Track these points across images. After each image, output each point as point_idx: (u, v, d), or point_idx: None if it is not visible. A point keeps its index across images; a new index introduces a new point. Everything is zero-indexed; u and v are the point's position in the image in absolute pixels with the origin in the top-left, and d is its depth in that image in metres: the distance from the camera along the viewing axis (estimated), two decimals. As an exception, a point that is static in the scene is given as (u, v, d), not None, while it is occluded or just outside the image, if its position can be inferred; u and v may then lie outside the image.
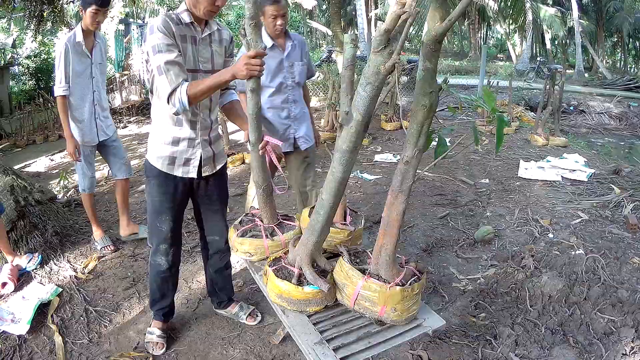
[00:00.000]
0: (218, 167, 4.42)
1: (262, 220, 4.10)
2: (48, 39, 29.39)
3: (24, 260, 5.95)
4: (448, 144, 3.03)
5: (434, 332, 3.11)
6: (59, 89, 5.92)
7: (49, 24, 22.95)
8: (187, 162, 4.21)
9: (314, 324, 3.21)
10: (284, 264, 3.47)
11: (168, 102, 3.75)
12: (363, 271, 3.09)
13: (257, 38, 3.45)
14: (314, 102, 16.98)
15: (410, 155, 2.78)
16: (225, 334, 4.91)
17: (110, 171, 6.89)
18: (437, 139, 3.02)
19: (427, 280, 5.60)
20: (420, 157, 2.80)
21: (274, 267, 3.50)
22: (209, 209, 4.59)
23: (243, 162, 10.57)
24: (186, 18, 3.90)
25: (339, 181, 3.07)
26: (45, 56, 27.88)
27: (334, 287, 3.23)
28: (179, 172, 4.22)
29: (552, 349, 4.50)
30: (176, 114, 3.87)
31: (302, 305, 3.27)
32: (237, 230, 4.05)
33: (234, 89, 4.64)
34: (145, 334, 4.82)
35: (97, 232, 6.76)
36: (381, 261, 3.01)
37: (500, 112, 2.98)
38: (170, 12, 4.03)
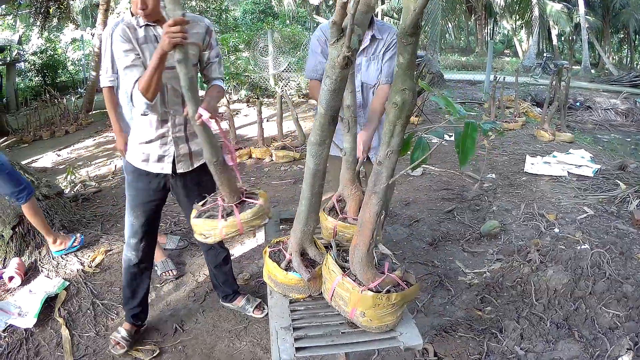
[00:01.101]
0: (196, 165, 4.39)
1: (224, 200, 3.97)
2: (54, 35, 29.47)
3: (68, 241, 6.09)
4: (430, 147, 2.84)
5: (406, 349, 3.05)
6: (104, 79, 5.31)
7: (55, 20, 23.06)
8: (160, 158, 4.25)
9: (292, 311, 3.21)
10: (282, 247, 3.49)
11: (133, 105, 3.87)
12: (344, 269, 3.06)
13: (175, 7, 3.35)
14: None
15: (383, 156, 2.71)
16: (232, 327, 4.93)
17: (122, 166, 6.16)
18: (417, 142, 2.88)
19: (434, 275, 5.63)
20: (394, 158, 2.67)
21: (272, 249, 3.52)
22: (190, 208, 4.25)
23: (250, 157, 10.59)
24: (141, 21, 3.98)
25: (312, 173, 3.06)
26: (52, 52, 27.93)
27: (320, 279, 3.24)
28: (153, 168, 4.25)
29: (557, 343, 4.51)
30: (144, 114, 3.98)
31: (286, 289, 3.29)
32: (197, 211, 3.96)
33: (217, 79, 4.33)
34: (157, 327, 4.90)
35: (157, 254, 5.65)
36: (355, 262, 2.97)
37: (472, 119, 2.57)
38: (133, 17, 4.12)
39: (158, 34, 3.96)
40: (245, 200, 3.80)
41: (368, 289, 2.79)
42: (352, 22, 2.43)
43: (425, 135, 2.81)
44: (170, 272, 5.89)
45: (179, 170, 4.29)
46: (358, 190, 3.82)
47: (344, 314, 2.97)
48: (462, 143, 2.44)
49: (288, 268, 3.30)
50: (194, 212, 3.81)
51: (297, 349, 2.86)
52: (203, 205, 3.80)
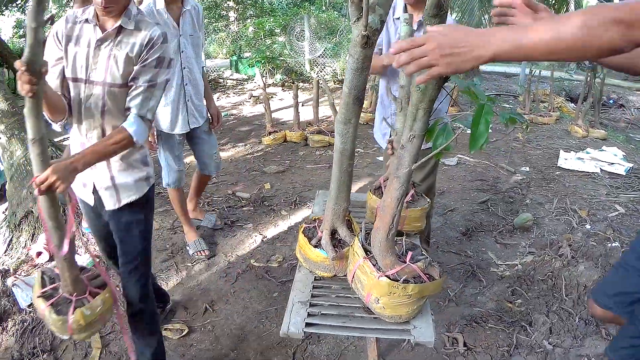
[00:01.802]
0: (125, 202, 3.49)
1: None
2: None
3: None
4: (453, 134, 2.70)
5: (416, 344, 3.03)
6: None
7: (89, -1, 23.09)
8: (84, 184, 3.48)
9: (314, 287, 3.23)
10: (317, 225, 3.51)
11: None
12: (369, 252, 3.06)
13: (30, 49, 2.49)
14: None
15: (406, 140, 2.69)
16: (263, 308, 4.96)
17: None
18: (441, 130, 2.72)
19: (466, 265, 5.67)
20: (417, 143, 2.62)
21: (308, 225, 3.55)
22: (120, 257, 3.65)
23: (285, 141, 10.59)
24: (87, 14, 3.23)
25: (340, 151, 3.08)
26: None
27: (346, 260, 3.25)
28: (81, 194, 3.58)
29: (585, 339, 4.51)
30: (59, 130, 3.34)
31: (312, 265, 3.31)
32: (50, 273, 3.61)
33: (132, 116, 3.22)
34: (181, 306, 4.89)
35: (189, 234, 6.06)
36: (375, 247, 2.96)
37: (489, 101, 2.37)
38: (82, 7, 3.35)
39: (93, 35, 3.19)
40: (70, 301, 3.16)
41: (385, 276, 2.78)
42: (367, 1, 2.46)
43: (452, 121, 2.78)
44: (202, 252, 5.88)
45: (106, 207, 3.49)
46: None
47: (361, 298, 2.98)
48: (475, 126, 2.31)
49: (317, 245, 3.33)
50: (39, 274, 3.30)
51: (307, 324, 2.88)
52: (44, 276, 3.30)
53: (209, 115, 5.74)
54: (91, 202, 3.50)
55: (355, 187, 7.80)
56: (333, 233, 3.36)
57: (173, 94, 5.24)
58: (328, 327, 2.94)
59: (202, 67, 5.64)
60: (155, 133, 5.37)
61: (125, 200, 3.47)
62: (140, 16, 3.26)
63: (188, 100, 5.36)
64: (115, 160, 3.39)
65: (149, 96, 3.23)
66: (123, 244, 3.57)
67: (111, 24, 3.18)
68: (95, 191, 3.44)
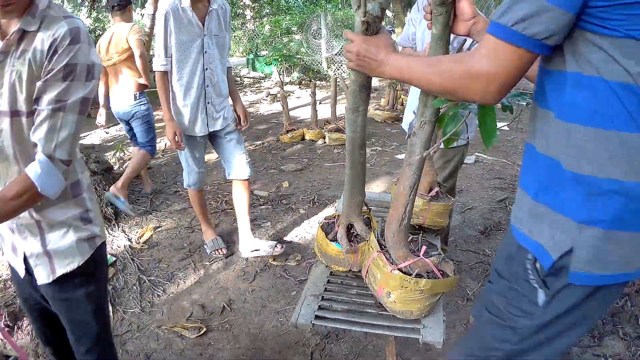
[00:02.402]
0: (60, 272, 2.54)
1: None
2: (103, 15, 29.72)
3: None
4: (463, 121, 2.65)
5: (424, 343, 2.96)
6: (157, 63, 5.00)
7: (104, 0, 23.19)
8: (13, 249, 2.59)
9: (328, 281, 3.24)
10: (335, 220, 3.49)
11: None
12: (384, 247, 3.02)
13: None
14: (374, 81, 17.04)
15: (417, 127, 2.65)
16: (281, 307, 4.93)
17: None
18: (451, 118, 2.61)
19: (485, 264, 5.60)
20: (428, 129, 2.57)
21: (327, 221, 3.53)
22: (69, 335, 2.82)
23: (303, 139, 10.61)
24: None
25: (350, 140, 3.07)
26: (100, 32, 28.17)
27: (362, 255, 3.22)
28: (10, 259, 2.69)
29: (602, 339, 4.45)
30: None
31: (329, 260, 3.29)
32: None
33: (38, 157, 2.22)
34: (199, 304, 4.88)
35: (207, 233, 6.03)
36: (388, 238, 2.92)
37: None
38: None
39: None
40: None
41: (397, 269, 2.74)
42: None
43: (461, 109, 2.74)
44: (220, 250, 5.82)
45: (39, 281, 2.56)
46: (430, 168, 3.79)
47: (373, 292, 2.95)
48: (482, 124, 2.23)
49: (334, 239, 3.31)
50: None
51: (316, 317, 2.86)
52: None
53: (235, 115, 5.61)
54: (22, 273, 2.60)
55: (373, 186, 7.84)
56: (349, 227, 3.35)
57: (193, 95, 5.15)
58: (337, 321, 2.93)
59: (229, 67, 5.55)
60: (179, 132, 5.20)
61: (62, 269, 2.54)
62: (48, 10, 2.26)
63: (208, 103, 5.24)
64: (43, 215, 2.47)
65: (55, 125, 2.22)
66: (71, 325, 2.75)
67: (13, 29, 2.23)
68: (25, 259, 2.56)
